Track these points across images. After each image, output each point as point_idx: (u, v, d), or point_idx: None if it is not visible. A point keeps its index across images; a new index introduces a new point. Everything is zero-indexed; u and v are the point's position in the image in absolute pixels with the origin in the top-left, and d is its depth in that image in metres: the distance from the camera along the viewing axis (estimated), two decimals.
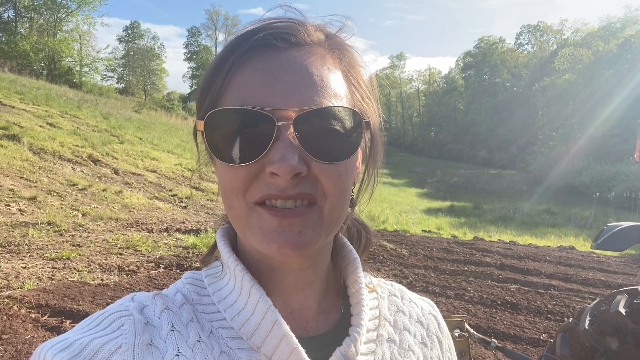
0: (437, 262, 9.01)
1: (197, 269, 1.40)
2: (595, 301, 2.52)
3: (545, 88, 49.00)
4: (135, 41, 63.17)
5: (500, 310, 6.46)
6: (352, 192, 0.69)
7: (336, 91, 0.60)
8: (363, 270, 0.73)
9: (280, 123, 0.56)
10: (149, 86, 60.59)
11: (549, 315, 6.26)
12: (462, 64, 72.05)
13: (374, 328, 0.70)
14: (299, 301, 0.67)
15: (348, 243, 0.75)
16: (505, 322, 5.95)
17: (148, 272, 6.92)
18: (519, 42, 67.47)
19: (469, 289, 7.31)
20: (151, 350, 0.57)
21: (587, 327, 2.30)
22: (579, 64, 46.59)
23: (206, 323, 0.63)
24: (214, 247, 0.74)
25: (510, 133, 52.88)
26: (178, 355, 0.58)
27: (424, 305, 0.81)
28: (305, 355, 0.60)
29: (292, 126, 0.56)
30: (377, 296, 0.76)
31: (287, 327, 0.60)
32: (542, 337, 5.47)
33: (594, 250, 10.94)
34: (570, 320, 2.46)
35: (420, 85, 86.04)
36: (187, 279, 0.70)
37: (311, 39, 0.62)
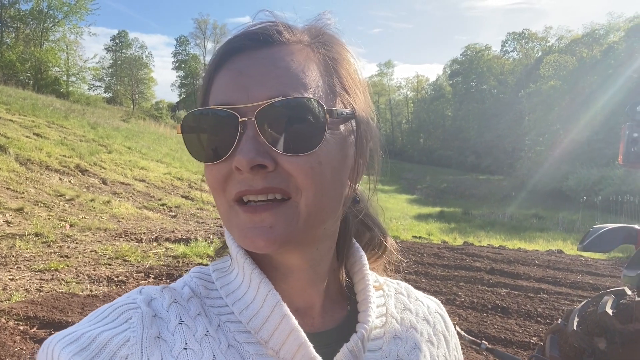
0: (428, 268, 9.04)
1: None
2: (583, 303, 2.55)
3: (531, 94, 49.67)
4: (123, 50, 62.97)
5: (491, 314, 6.50)
6: (352, 188, 0.68)
7: (305, 82, 0.59)
8: (370, 269, 0.74)
9: (243, 118, 0.56)
10: (137, 95, 60.27)
11: (539, 319, 6.31)
12: (449, 71, 72.80)
13: (380, 325, 0.70)
14: (304, 300, 0.67)
15: (354, 241, 0.75)
16: (496, 326, 5.98)
17: (137, 282, 6.85)
18: (504, 49, 68.47)
19: (459, 293, 7.34)
20: (159, 344, 0.58)
21: (575, 328, 2.33)
22: (563, 70, 47.34)
23: (214, 317, 0.63)
24: (225, 245, 0.74)
25: (498, 139, 53.46)
26: (186, 348, 0.58)
27: (431, 304, 0.81)
28: (313, 350, 0.60)
29: (255, 120, 0.56)
30: (384, 294, 0.76)
31: (295, 322, 0.60)
32: (532, 341, 5.51)
33: (581, 253, 11.06)
34: (558, 322, 2.49)
35: (408, 92, 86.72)
36: (194, 273, 0.70)
37: (285, 37, 0.62)
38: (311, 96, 0.59)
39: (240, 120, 0.56)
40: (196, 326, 0.61)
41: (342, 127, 0.63)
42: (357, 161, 0.67)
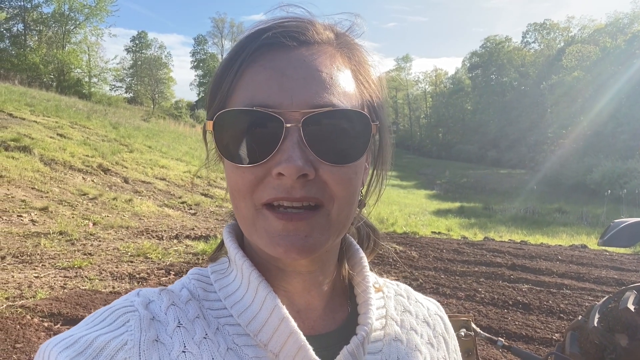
0: (447, 264, 8.96)
1: None
2: (605, 298, 2.50)
3: (554, 86, 48.67)
4: (143, 51, 63.77)
5: (512, 310, 6.41)
6: (361, 193, 0.68)
7: (345, 90, 0.59)
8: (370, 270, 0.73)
9: (288, 125, 0.55)
10: (157, 95, 61.05)
11: (562, 315, 6.20)
12: (468, 64, 71.79)
13: (380, 327, 0.70)
14: (306, 301, 0.67)
15: (355, 243, 0.74)
16: (517, 323, 5.90)
17: (159, 279, 6.96)
18: (525, 40, 67.16)
19: (479, 289, 7.26)
20: (157, 347, 0.57)
21: (596, 325, 2.29)
22: (586, 60, 46.25)
23: (212, 319, 0.62)
24: (221, 244, 0.74)
25: (519, 132, 52.54)
26: (184, 351, 0.57)
27: (430, 306, 0.80)
28: (313, 353, 0.59)
29: (300, 128, 0.55)
30: (384, 296, 0.75)
31: (294, 325, 0.60)
32: (554, 337, 5.42)
33: (606, 248, 10.81)
34: (579, 318, 2.44)
35: (426, 86, 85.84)
36: (193, 275, 0.69)
37: (320, 37, 0.61)
38: (354, 106, 0.59)
39: (285, 126, 0.55)
40: (195, 329, 0.60)
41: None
42: (375, 172, 0.70)
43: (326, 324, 0.68)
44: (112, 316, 0.59)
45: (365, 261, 0.72)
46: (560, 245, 12.15)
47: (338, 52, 0.62)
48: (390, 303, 0.75)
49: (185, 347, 0.57)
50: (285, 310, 0.60)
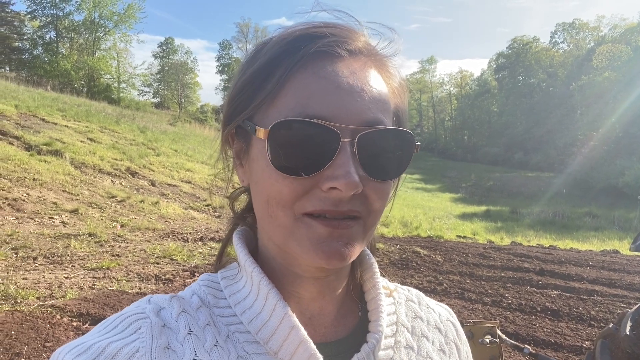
0: (473, 268, 8.81)
1: None
2: (637, 305, 2.41)
3: (584, 87, 47.45)
4: (170, 56, 65.03)
5: (540, 317, 6.26)
6: None
7: (386, 106, 0.60)
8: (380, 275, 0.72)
9: (345, 140, 0.55)
10: (183, 99, 62.08)
11: (592, 322, 6.02)
12: (494, 65, 70.65)
13: (391, 334, 0.69)
14: (319, 307, 0.66)
15: (366, 248, 0.74)
16: (545, 330, 5.75)
17: (184, 280, 7.06)
18: (553, 40, 65.70)
19: (506, 295, 7.11)
20: (168, 354, 0.56)
21: (627, 333, 2.21)
22: (617, 60, 44.95)
23: (223, 327, 0.62)
24: (222, 250, 0.74)
25: (548, 134, 51.39)
26: (195, 359, 0.57)
27: (442, 312, 0.79)
28: None
29: (355, 143, 0.55)
30: (394, 302, 0.74)
31: (304, 333, 0.59)
32: (584, 345, 5.26)
33: (638, 254, 10.46)
34: (610, 326, 2.36)
35: (451, 88, 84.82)
36: (203, 281, 0.69)
37: (366, 48, 0.61)
38: (393, 122, 0.62)
39: (342, 140, 0.55)
40: (205, 336, 0.60)
41: None
42: (397, 181, 0.69)
43: (337, 330, 0.67)
44: (123, 323, 0.59)
45: (375, 266, 0.72)
46: (590, 250, 11.82)
47: (378, 66, 0.63)
48: (401, 309, 0.74)
49: (196, 354, 0.57)
50: (295, 319, 0.60)
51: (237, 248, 0.68)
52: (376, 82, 0.60)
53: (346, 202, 0.56)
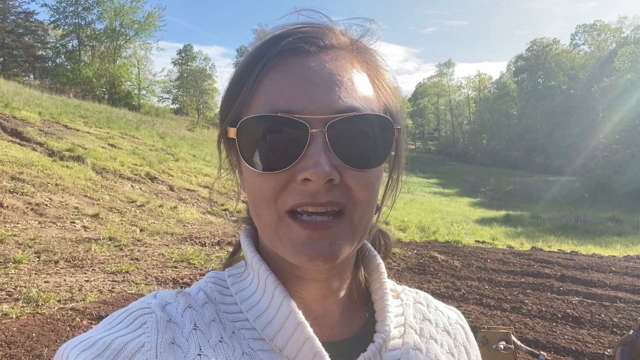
0: (492, 274, 8.68)
1: None
2: None
3: (606, 89, 46.53)
4: (188, 63, 65.92)
5: (561, 324, 6.13)
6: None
7: (364, 94, 0.59)
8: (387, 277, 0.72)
9: (313, 130, 0.55)
10: (201, 105, 62.80)
11: (615, 330, 5.87)
12: (514, 68, 69.84)
13: (399, 336, 0.68)
14: (323, 308, 0.66)
15: (372, 249, 0.73)
16: (566, 337, 5.63)
17: None
18: (574, 42, 64.71)
19: (526, 301, 6.98)
20: (173, 349, 0.56)
21: None
22: None
23: (228, 323, 0.62)
24: (235, 251, 0.75)
25: (569, 137, 50.49)
26: (200, 355, 0.56)
27: (451, 314, 0.78)
28: (329, 359, 0.58)
29: (325, 133, 0.55)
30: (402, 303, 0.73)
31: (310, 330, 0.59)
32: (606, 353, 5.13)
33: None
34: (630, 333, 2.30)
35: (469, 92, 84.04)
36: (209, 278, 0.69)
37: (339, 42, 0.62)
38: (374, 110, 0.60)
39: (310, 131, 0.55)
40: (210, 332, 0.59)
41: None
42: (391, 177, 0.69)
43: (343, 330, 0.67)
44: (129, 318, 0.59)
45: (383, 267, 0.71)
46: (613, 255, 11.55)
47: (355, 57, 0.62)
48: (409, 311, 0.73)
49: (201, 349, 0.57)
50: (301, 316, 0.60)
51: (245, 246, 0.68)
52: (351, 72, 0.59)
53: (325, 193, 0.55)
